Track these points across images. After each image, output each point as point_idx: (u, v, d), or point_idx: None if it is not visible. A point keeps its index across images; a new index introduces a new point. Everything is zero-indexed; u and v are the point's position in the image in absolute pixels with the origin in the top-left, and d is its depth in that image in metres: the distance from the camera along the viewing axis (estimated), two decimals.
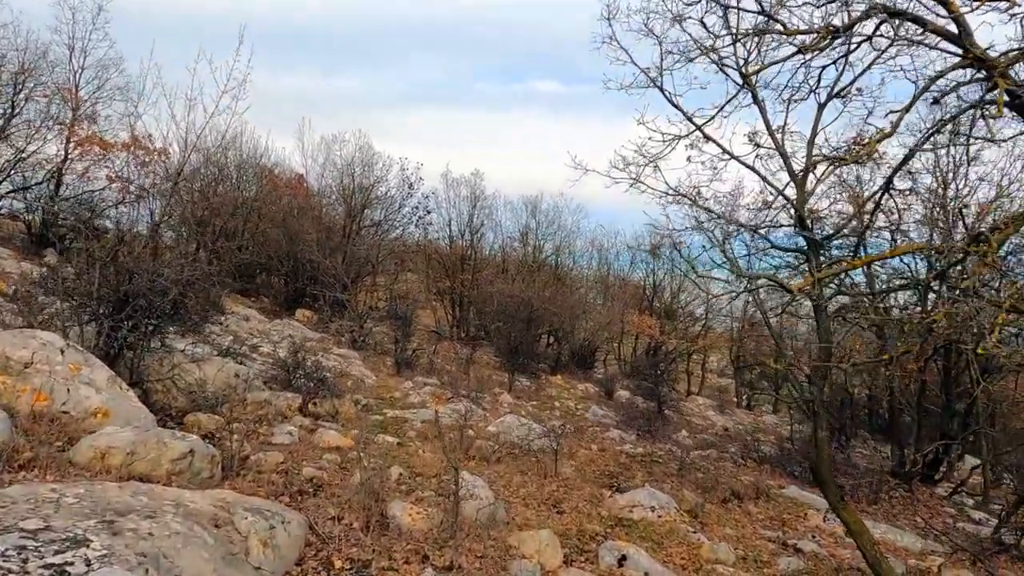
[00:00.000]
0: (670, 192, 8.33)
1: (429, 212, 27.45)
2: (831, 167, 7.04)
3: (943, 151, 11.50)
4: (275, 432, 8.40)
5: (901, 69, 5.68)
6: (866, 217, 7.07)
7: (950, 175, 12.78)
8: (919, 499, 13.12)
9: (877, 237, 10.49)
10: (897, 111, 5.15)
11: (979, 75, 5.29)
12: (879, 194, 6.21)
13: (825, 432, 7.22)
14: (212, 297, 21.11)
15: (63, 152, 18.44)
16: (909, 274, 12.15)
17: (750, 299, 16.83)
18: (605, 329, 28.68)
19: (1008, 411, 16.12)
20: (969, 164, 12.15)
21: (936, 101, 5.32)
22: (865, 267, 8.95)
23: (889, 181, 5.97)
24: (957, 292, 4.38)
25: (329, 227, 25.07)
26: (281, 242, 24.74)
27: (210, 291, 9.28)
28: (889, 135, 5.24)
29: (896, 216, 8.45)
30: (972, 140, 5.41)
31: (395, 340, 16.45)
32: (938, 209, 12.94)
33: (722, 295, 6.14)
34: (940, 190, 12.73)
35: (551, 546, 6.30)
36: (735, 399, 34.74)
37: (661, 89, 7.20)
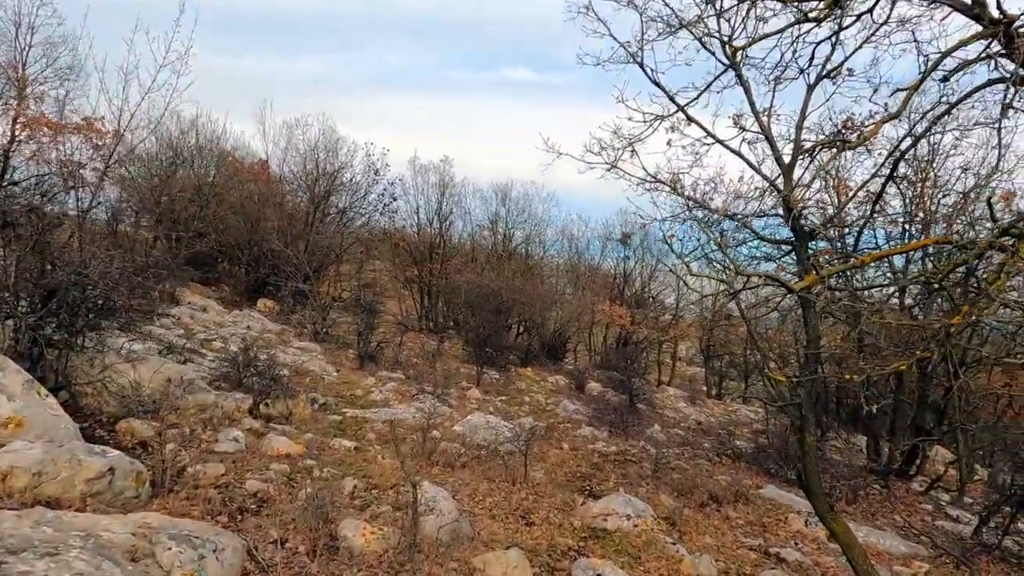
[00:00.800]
0: (648, 179, 7.76)
1: (395, 199, 26.60)
2: (824, 153, 6.51)
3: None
4: (220, 438, 7.68)
5: (917, 45, 5.13)
6: (865, 207, 6.56)
7: (927, 163, 12.38)
8: (896, 495, 12.84)
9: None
10: (905, 88, 4.62)
11: (992, 49, 4.78)
12: (883, 182, 5.68)
13: (812, 437, 6.74)
14: (169, 288, 20.36)
15: (10, 134, 17.31)
16: (889, 269, 11.75)
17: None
18: (576, 319, 28.16)
19: (979, 404, 15.94)
20: (952, 150, 11.75)
21: (945, 79, 4.80)
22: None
23: (895, 168, 5.44)
24: (979, 294, 3.91)
25: (291, 214, 24.11)
26: (242, 229, 23.79)
27: (146, 284, 8.41)
28: (895, 116, 4.71)
29: (902, 205, 7.89)
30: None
31: (358, 332, 15.70)
32: (916, 198, 12.59)
33: (712, 295, 5.54)
34: (921, 178, 12.36)
35: (519, 568, 5.73)
36: (705, 388, 34.71)
37: (641, 65, 6.59)
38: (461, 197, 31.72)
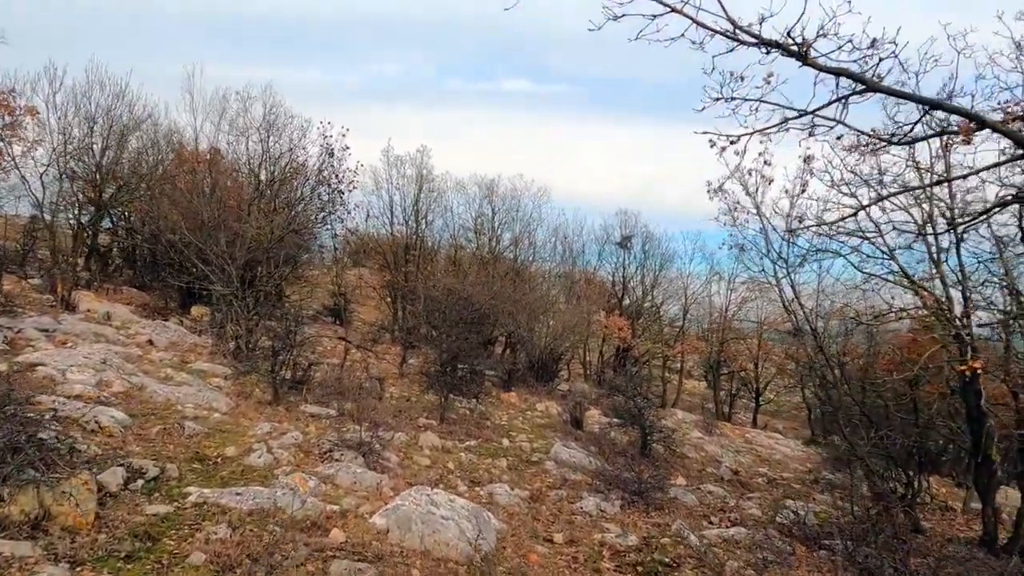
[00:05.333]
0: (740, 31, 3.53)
1: (353, 188, 22.39)
2: None
3: None
4: None
5: None
6: None
7: None
8: None
9: None
10: None
11: None
12: None
13: None
14: (63, 291, 16.12)
15: None
16: None
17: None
18: (571, 332, 23.81)
19: None
20: None
21: None
22: None
23: None
24: None
25: (222, 202, 19.55)
26: (162, 222, 19.42)
27: None
28: None
29: None
30: None
31: (273, 352, 11.33)
32: None
33: None
34: None
35: None
36: (713, 408, 30.78)
37: None
38: (441, 193, 27.68)
